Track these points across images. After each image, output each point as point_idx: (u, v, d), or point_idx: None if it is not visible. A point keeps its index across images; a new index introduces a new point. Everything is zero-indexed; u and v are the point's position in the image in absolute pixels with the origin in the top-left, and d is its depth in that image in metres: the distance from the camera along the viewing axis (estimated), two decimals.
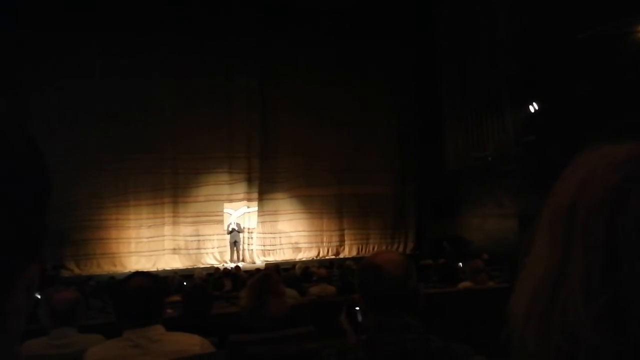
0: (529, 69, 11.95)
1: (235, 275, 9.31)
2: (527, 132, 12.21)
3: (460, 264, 8.06)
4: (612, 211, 0.42)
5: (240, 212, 15.17)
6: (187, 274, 11.13)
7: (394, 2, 15.35)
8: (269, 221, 15.63)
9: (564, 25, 10.39)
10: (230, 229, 14.60)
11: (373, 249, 16.12)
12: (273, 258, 15.07)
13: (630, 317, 0.39)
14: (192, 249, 14.76)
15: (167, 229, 14.60)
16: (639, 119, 7.66)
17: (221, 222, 15.01)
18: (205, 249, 14.85)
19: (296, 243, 15.76)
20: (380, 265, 1.50)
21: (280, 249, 15.62)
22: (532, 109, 12.12)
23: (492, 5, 13.00)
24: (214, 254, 14.85)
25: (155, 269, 13.15)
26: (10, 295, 0.41)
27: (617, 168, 0.44)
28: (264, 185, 15.54)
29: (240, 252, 14.75)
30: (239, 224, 14.77)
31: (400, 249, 16.26)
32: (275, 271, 7.54)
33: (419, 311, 1.49)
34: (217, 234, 14.91)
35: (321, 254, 15.74)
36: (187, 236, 14.78)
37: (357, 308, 1.67)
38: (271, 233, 15.63)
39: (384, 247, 16.30)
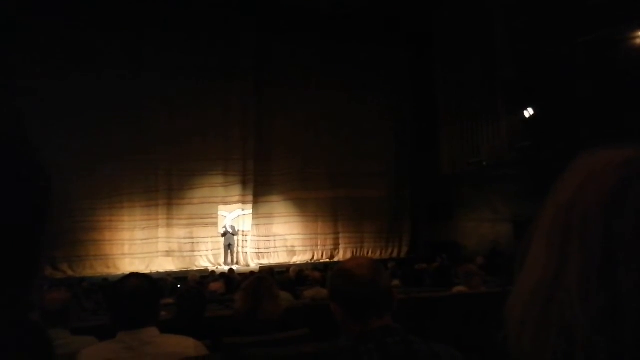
0: (524, 74, 12.01)
1: (229, 278, 9.28)
2: (522, 137, 12.27)
3: (455, 267, 8.06)
4: (609, 213, 0.42)
5: (235, 214, 15.13)
6: (180, 277, 11.07)
7: (391, 6, 15.39)
8: (264, 224, 15.59)
9: (559, 30, 10.45)
10: (224, 232, 14.57)
11: (368, 252, 16.12)
12: (267, 261, 15.04)
13: (626, 317, 0.39)
14: (186, 251, 14.69)
15: (161, 231, 14.52)
16: (636, 123, 7.70)
17: (215, 224, 14.96)
18: (199, 251, 14.78)
19: (291, 246, 15.73)
20: (351, 270, 1.51)
21: (274, 252, 15.58)
22: (527, 114, 12.18)
23: (488, 10, 13.07)
24: (208, 257, 14.78)
25: (149, 271, 13.06)
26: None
27: (613, 171, 0.45)
28: (259, 187, 15.50)
29: (235, 255, 14.72)
30: (234, 227, 14.74)
31: (395, 253, 16.28)
32: (270, 274, 7.52)
33: (395, 312, 1.49)
34: (211, 237, 14.85)
35: (316, 257, 15.71)
36: (181, 238, 14.70)
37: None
38: (266, 236, 15.59)
39: (378, 251, 16.31)
